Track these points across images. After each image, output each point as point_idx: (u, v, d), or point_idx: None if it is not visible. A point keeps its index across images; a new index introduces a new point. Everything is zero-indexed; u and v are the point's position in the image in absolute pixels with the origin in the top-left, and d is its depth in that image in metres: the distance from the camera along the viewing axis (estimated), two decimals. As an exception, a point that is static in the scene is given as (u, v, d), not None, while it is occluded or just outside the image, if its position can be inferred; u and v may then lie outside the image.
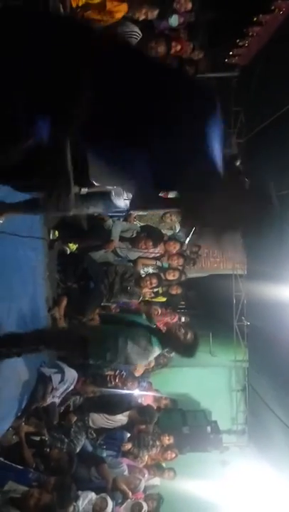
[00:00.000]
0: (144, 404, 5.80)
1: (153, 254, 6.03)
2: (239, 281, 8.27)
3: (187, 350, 3.16)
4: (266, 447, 7.72)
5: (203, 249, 8.44)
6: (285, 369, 6.16)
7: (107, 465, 4.57)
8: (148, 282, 5.63)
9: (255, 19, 6.12)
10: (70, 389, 4.36)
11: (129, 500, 4.60)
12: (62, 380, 4.17)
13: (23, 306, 3.92)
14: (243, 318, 8.22)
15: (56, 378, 4.09)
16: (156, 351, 3.16)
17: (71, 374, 4.29)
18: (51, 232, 4.71)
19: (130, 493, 4.62)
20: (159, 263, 6.16)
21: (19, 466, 3.39)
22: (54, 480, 3.40)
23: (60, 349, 3.68)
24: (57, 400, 4.25)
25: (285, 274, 5.89)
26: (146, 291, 5.99)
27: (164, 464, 5.95)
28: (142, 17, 4.37)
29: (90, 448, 4.52)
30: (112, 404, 4.88)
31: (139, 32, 4.27)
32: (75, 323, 3.26)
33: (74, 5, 3.42)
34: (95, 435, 4.68)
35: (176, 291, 6.59)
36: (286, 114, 5.71)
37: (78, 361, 4.10)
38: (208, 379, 8.27)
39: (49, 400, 4.03)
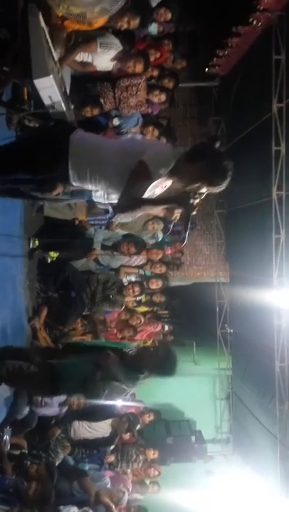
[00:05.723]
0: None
1: (136, 263, 6.01)
2: (222, 288, 8.28)
3: (163, 368, 2.92)
4: (251, 455, 7.68)
5: (186, 258, 8.46)
6: (269, 376, 6.16)
7: (90, 478, 4.48)
8: (131, 291, 5.61)
9: (233, 30, 6.22)
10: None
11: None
12: None
13: (3, 316, 3.84)
14: (226, 325, 8.22)
15: None
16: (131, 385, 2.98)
17: None
18: (31, 240, 4.65)
19: (113, 507, 4.52)
20: (141, 271, 6.13)
21: None
22: (34, 485, 3.31)
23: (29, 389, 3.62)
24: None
25: (267, 281, 5.92)
26: (129, 300, 5.97)
27: (147, 482, 5.84)
28: (124, 26, 4.34)
29: (71, 461, 4.42)
30: (94, 411, 4.78)
31: (119, 44, 4.27)
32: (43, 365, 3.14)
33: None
34: (73, 449, 4.56)
35: (159, 299, 6.57)
36: (266, 123, 5.78)
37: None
38: (192, 388, 8.21)
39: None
